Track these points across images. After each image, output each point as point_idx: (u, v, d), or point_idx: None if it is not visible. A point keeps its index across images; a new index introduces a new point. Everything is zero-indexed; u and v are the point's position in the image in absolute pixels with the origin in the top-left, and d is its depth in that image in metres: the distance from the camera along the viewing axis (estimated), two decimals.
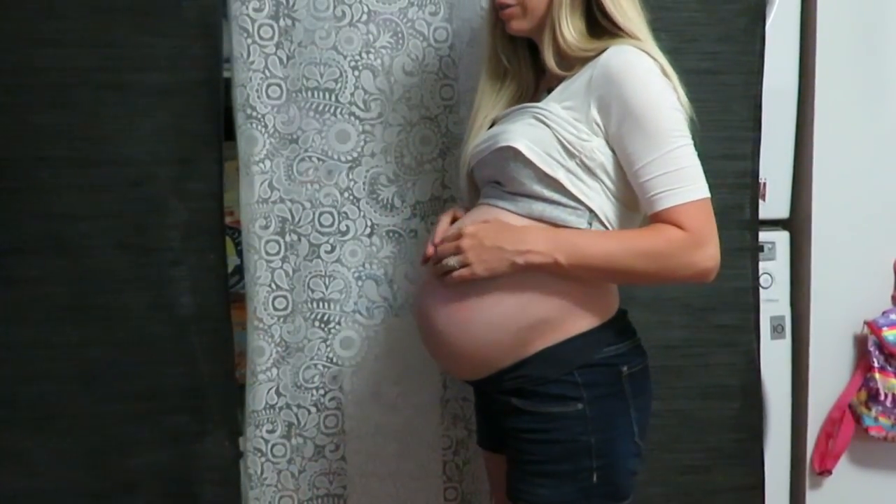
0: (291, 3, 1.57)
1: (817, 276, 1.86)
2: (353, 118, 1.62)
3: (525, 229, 1.21)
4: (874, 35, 1.83)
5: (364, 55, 1.60)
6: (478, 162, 1.32)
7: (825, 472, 1.89)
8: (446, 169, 1.65)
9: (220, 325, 1.61)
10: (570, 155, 1.20)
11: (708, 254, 1.17)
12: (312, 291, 1.65)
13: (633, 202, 1.23)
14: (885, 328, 1.83)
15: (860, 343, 1.88)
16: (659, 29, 1.29)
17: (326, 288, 1.65)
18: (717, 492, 1.77)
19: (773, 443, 1.87)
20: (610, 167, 1.21)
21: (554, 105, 1.23)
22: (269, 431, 1.66)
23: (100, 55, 1.52)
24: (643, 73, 1.18)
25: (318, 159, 1.62)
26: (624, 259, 1.18)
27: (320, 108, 1.61)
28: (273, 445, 1.67)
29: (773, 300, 1.85)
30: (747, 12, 1.66)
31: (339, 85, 1.60)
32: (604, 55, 1.20)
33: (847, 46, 1.81)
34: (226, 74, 1.58)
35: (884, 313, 1.86)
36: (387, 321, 1.67)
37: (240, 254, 1.66)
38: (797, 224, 1.89)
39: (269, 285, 1.63)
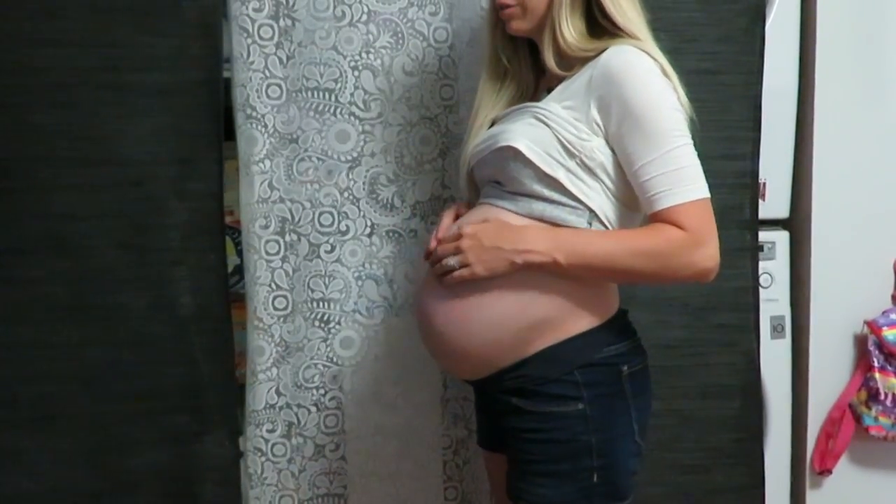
0: (291, 3, 1.57)
1: (817, 276, 1.86)
2: (352, 118, 1.62)
3: (524, 229, 1.22)
4: (874, 35, 1.83)
5: (364, 55, 1.60)
6: (478, 161, 1.32)
7: (825, 471, 1.89)
8: (446, 169, 1.65)
9: (220, 324, 1.61)
10: (571, 155, 1.20)
11: (707, 253, 1.17)
12: (312, 291, 1.65)
13: (633, 202, 1.23)
14: (885, 328, 1.83)
15: (860, 343, 1.88)
16: (659, 29, 1.29)
17: (326, 288, 1.65)
18: (717, 492, 1.77)
19: (773, 443, 1.87)
20: (610, 167, 1.21)
21: (554, 105, 1.23)
22: (269, 431, 1.66)
23: (100, 55, 1.52)
24: (643, 73, 1.18)
25: (318, 159, 1.62)
26: (623, 258, 1.18)
27: (320, 107, 1.61)
28: (273, 445, 1.67)
29: (773, 300, 1.85)
30: (747, 12, 1.66)
31: (338, 85, 1.60)
32: (604, 55, 1.20)
33: (847, 46, 1.81)
34: (226, 74, 1.58)
35: (884, 313, 1.86)
36: (387, 321, 1.67)
37: (240, 254, 1.66)
38: (797, 224, 1.89)
39: (269, 285, 1.63)
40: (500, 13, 1.30)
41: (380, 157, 1.64)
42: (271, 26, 1.58)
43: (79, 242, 1.54)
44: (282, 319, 1.64)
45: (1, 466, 1.55)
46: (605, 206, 1.22)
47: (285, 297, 1.64)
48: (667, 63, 1.21)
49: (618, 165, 1.21)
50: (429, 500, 1.72)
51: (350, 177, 1.63)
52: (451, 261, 1.22)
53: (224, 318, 1.61)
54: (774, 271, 1.86)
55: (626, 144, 1.18)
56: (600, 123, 1.20)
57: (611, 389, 1.23)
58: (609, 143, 1.21)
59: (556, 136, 1.20)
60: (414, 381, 1.69)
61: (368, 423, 1.69)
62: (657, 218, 1.18)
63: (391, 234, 1.66)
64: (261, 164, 1.60)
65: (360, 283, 1.66)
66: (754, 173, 1.71)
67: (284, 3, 1.57)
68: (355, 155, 1.63)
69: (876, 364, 1.84)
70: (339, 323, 1.66)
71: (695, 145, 1.20)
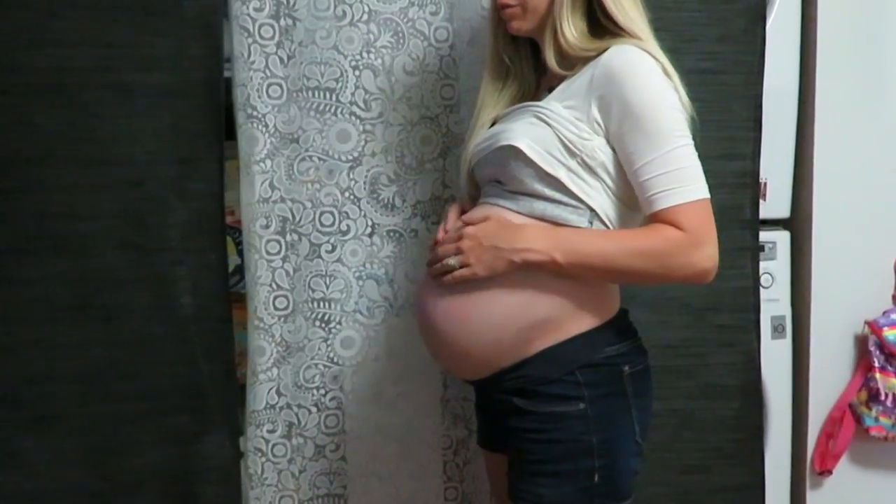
0: (292, 2, 1.57)
1: (818, 276, 1.86)
2: (353, 118, 1.62)
3: (523, 228, 1.22)
4: (874, 35, 1.83)
5: (365, 55, 1.60)
6: (479, 161, 1.32)
7: (825, 472, 1.89)
8: (447, 169, 1.65)
9: (221, 324, 1.61)
10: (572, 154, 1.20)
11: (706, 254, 1.17)
12: (313, 291, 1.65)
13: (634, 201, 1.23)
14: (885, 328, 1.83)
15: (860, 343, 1.88)
16: (659, 29, 1.29)
17: (327, 287, 1.65)
18: (717, 492, 1.77)
19: (773, 443, 1.87)
20: (611, 166, 1.21)
21: (555, 104, 1.23)
22: (269, 431, 1.66)
23: (100, 55, 1.51)
24: (644, 72, 1.18)
25: (319, 159, 1.62)
26: (622, 258, 1.18)
27: (321, 107, 1.61)
28: (273, 445, 1.67)
29: (774, 300, 1.85)
30: (747, 12, 1.66)
31: (339, 84, 1.60)
32: (605, 55, 1.20)
33: (847, 46, 1.81)
34: (226, 74, 1.58)
35: (884, 313, 1.86)
36: (387, 321, 1.67)
37: (240, 253, 1.66)
38: (797, 224, 1.89)
39: (270, 285, 1.63)
40: (501, 13, 1.30)
41: (380, 156, 1.63)
42: (272, 26, 1.57)
43: (79, 242, 1.54)
44: (282, 319, 1.64)
45: (1, 466, 1.55)
46: (606, 205, 1.22)
47: (286, 296, 1.64)
48: (668, 63, 1.21)
49: (619, 165, 1.21)
50: (429, 500, 1.72)
51: (351, 176, 1.63)
52: (452, 261, 1.22)
53: (224, 318, 1.61)
54: (775, 271, 1.86)
55: (626, 144, 1.18)
56: (601, 123, 1.20)
57: (612, 389, 1.23)
58: (610, 143, 1.21)
59: (557, 135, 1.20)
60: (414, 381, 1.69)
61: (368, 423, 1.69)
62: (656, 218, 1.18)
63: (392, 234, 1.66)
64: (261, 164, 1.60)
65: (360, 282, 1.66)
66: (755, 173, 1.71)
67: (285, 2, 1.57)
68: (356, 155, 1.63)
69: (876, 364, 1.84)
70: (339, 323, 1.66)
71: (695, 145, 1.20)
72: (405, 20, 1.60)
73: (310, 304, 1.65)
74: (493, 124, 1.35)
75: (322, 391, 1.67)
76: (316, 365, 1.66)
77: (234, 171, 1.62)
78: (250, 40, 1.57)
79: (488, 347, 1.23)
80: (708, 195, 1.18)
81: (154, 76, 1.53)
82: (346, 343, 1.67)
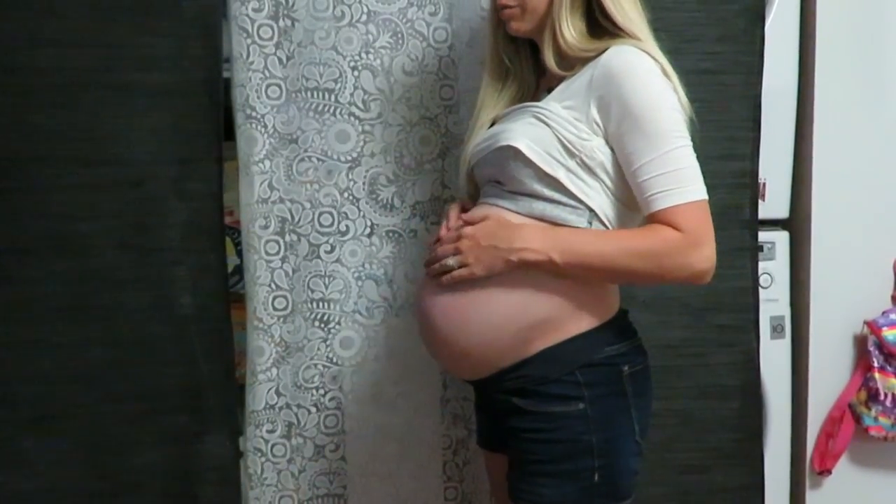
0: (291, 3, 1.57)
1: (817, 276, 1.86)
2: (352, 118, 1.62)
3: (521, 227, 1.22)
4: (873, 35, 1.83)
5: (363, 55, 1.60)
6: (478, 161, 1.32)
7: (825, 471, 1.89)
8: (446, 169, 1.65)
9: (220, 325, 1.61)
10: (571, 154, 1.20)
11: (703, 255, 1.17)
12: (312, 291, 1.65)
13: (633, 202, 1.23)
14: (884, 328, 1.83)
15: (860, 343, 1.88)
16: (659, 29, 1.29)
17: (326, 288, 1.65)
18: (717, 492, 1.77)
19: (772, 443, 1.87)
20: (610, 166, 1.21)
21: (554, 104, 1.23)
22: (269, 431, 1.66)
23: (100, 55, 1.51)
24: (644, 73, 1.18)
25: (318, 159, 1.62)
26: (619, 258, 1.18)
27: (320, 108, 1.61)
28: (273, 445, 1.67)
29: (773, 300, 1.85)
30: (747, 12, 1.66)
31: (338, 85, 1.60)
32: (604, 55, 1.20)
33: (847, 46, 1.81)
34: (225, 74, 1.58)
35: (884, 313, 1.86)
36: (387, 321, 1.67)
37: (240, 254, 1.66)
38: (797, 224, 1.89)
39: (269, 285, 1.63)
40: (500, 13, 1.30)
41: (379, 157, 1.64)
42: (271, 26, 1.58)
43: (79, 242, 1.54)
44: (282, 320, 1.64)
45: (1, 466, 1.55)
46: (605, 205, 1.22)
47: (285, 297, 1.64)
48: (667, 63, 1.21)
49: (618, 165, 1.21)
50: (429, 500, 1.72)
51: (350, 177, 1.63)
52: (451, 261, 1.22)
53: (224, 318, 1.61)
54: (774, 271, 1.86)
55: (625, 144, 1.18)
56: (600, 123, 1.20)
57: (612, 389, 1.23)
58: (609, 143, 1.21)
59: (556, 135, 1.20)
60: (414, 381, 1.69)
61: (368, 424, 1.69)
62: (654, 219, 1.18)
63: (391, 235, 1.66)
64: (261, 165, 1.60)
65: (359, 283, 1.66)
66: (754, 173, 1.71)
67: (284, 3, 1.57)
68: (355, 155, 1.63)
69: (876, 364, 1.84)
70: (338, 323, 1.66)
71: (695, 145, 1.20)
72: (404, 21, 1.61)
73: (309, 305, 1.65)
74: (492, 125, 1.35)
75: (321, 391, 1.67)
76: (315, 365, 1.66)
77: (234, 171, 1.62)
78: (249, 41, 1.57)
79: (488, 347, 1.23)
80: (706, 196, 1.19)
81: (153, 76, 1.53)
82: (346, 343, 1.67)
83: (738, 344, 1.74)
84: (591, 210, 1.21)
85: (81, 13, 1.50)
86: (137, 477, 1.60)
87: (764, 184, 1.78)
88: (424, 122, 1.64)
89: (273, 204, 1.62)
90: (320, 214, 1.63)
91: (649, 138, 1.16)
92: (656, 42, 1.25)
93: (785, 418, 1.89)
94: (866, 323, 1.86)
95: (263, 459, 1.67)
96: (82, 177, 1.53)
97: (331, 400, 1.68)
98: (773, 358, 1.84)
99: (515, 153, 1.22)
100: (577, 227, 1.21)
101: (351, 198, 1.64)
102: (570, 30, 1.24)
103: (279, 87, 1.59)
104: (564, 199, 1.21)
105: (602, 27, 1.25)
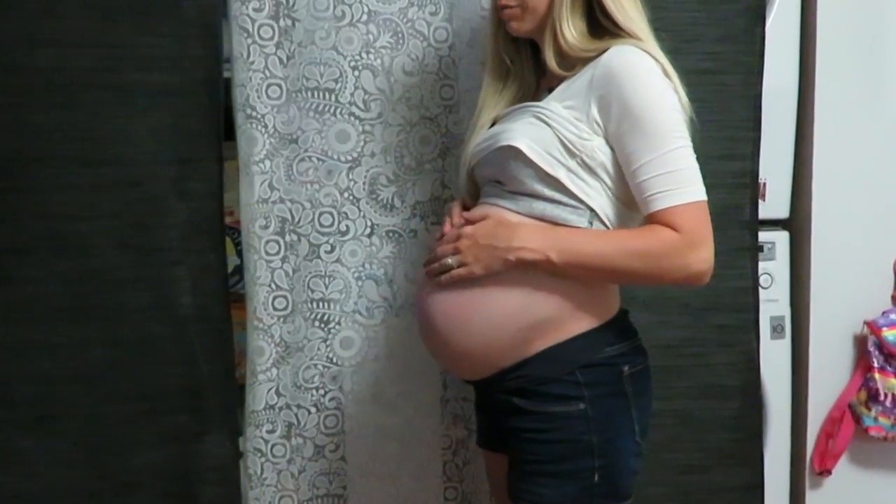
0: (291, 3, 1.57)
1: (817, 276, 1.86)
2: (352, 118, 1.62)
3: (520, 226, 1.22)
4: (874, 35, 1.83)
5: (364, 55, 1.60)
6: (478, 161, 1.32)
7: (825, 472, 1.89)
8: (446, 169, 1.65)
9: (220, 325, 1.61)
10: (571, 154, 1.20)
11: (701, 256, 1.17)
12: (312, 291, 1.65)
13: (633, 202, 1.23)
14: (884, 328, 1.83)
15: (860, 343, 1.88)
16: (659, 29, 1.29)
17: (326, 288, 1.65)
18: (717, 492, 1.77)
19: (772, 443, 1.87)
20: (610, 166, 1.21)
21: (555, 104, 1.23)
22: (269, 431, 1.66)
23: (100, 55, 1.51)
24: (644, 73, 1.18)
25: (318, 159, 1.62)
26: (617, 258, 1.18)
27: (320, 108, 1.61)
28: (273, 445, 1.67)
29: (773, 300, 1.85)
30: (747, 12, 1.67)
31: (339, 85, 1.60)
32: (605, 55, 1.20)
33: (847, 46, 1.81)
34: (226, 74, 1.58)
35: (884, 313, 1.86)
36: (387, 321, 1.67)
37: (240, 254, 1.66)
38: (797, 224, 1.89)
39: (269, 285, 1.63)
40: (501, 13, 1.30)
41: (380, 157, 1.64)
42: (271, 26, 1.57)
43: (79, 242, 1.54)
44: (282, 320, 1.64)
45: (1, 466, 1.55)
46: (605, 205, 1.22)
47: (285, 297, 1.64)
48: (668, 64, 1.21)
49: (618, 165, 1.21)
50: (429, 500, 1.72)
51: (350, 177, 1.63)
52: (450, 260, 1.22)
53: (224, 318, 1.61)
54: (774, 271, 1.86)
55: (625, 144, 1.18)
56: (600, 123, 1.20)
57: (612, 389, 1.23)
58: (609, 143, 1.21)
59: (556, 135, 1.20)
60: (414, 381, 1.69)
61: (368, 424, 1.69)
62: (653, 219, 1.18)
63: (391, 235, 1.66)
64: (261, 165, 1.60)
65: (360, 283, 1.66)
66: (754, 173, 1.71)
67: (284, 2, 1.57)
68: (355, 155, 1.63)
69: (876, 364, 1.84)
70: (338, 323, 1.66)
71: (695, 145, 1.20)
72: (404, 21, 1.61)
73: (309, 305, 1.65)
74: (493, 125, 1.35)
75: (321, 391, 1.67)
76: (315, 365, 1.66)
77: (234, 171, 1.62)
78: (250, 41, 1.57)
79: (488, 347, 1.23)
80: (705, 197, 1.18)
81: (154, 76, 1.53)
82: (346, 343, 1.67)
83: (738, 344, 1.74)
84: (591, 210, 1.21)
85: (81, 13, 1.50)
86: (137, 477, 1.60)
87: (764, 184, 1.78)
88: (425, 122, 1.63)
89: (273, 204, 1.62)
90: (320, 214, 1.63)
91: (649, 138, 1.16)
92: (657, 42, 1.25)
93: (785, 418, 1.89)
94: (866, 323, 1.86)
95: (263, 460, 1.67)
96: (82, 177, 1.53)
97: (331, 400, 1.68)
98: (773, 358, 1.84)
99: (516, 153, 1.22)
100: (577, 227, 1.21)
101: (351, 198, 1.64)
102: (571, 30, 1.24)
103: (279, 86, 1.59)
104: (565, 199, 1.21)
105: (603, 27, 1.25)
